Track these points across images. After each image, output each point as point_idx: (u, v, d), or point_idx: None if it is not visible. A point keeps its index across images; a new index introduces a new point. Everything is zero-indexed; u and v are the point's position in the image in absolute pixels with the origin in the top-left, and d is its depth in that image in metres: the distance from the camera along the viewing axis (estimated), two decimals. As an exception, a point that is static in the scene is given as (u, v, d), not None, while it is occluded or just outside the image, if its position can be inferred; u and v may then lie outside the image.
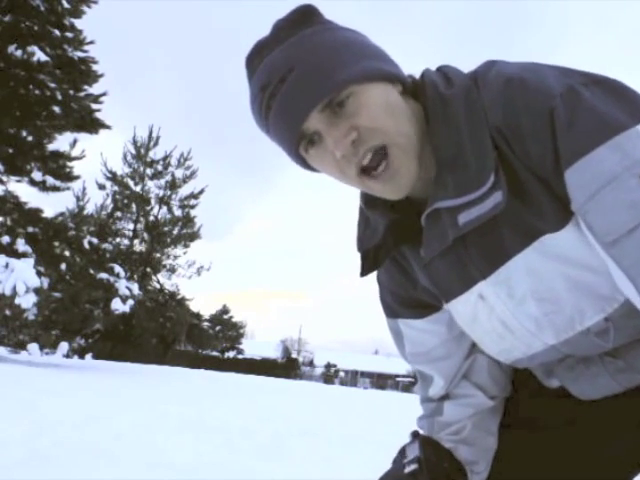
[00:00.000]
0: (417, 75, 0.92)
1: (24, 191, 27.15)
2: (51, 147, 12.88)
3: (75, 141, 13.24)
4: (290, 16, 0.85)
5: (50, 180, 12.78)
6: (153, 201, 26.78)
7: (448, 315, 1.02)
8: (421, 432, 1.08)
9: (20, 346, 15.02)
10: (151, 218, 26.66)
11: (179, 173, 26.78)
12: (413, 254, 0.97)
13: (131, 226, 26.35)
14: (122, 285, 14.26)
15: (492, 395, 1.08)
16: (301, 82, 0.80)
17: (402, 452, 1.02)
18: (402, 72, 0.89)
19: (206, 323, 31.90)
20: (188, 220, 26.95)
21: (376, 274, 1.08)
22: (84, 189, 18.73)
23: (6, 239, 11.58)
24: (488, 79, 0.84)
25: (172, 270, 27.03)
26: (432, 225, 0.87)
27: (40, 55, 11.92)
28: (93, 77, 13.14)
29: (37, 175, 12.61)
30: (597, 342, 0.90)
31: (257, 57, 0.85)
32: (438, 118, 0.85)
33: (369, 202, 0.96)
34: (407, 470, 0.97)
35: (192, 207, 27.07)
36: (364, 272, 0.97)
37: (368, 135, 0.81)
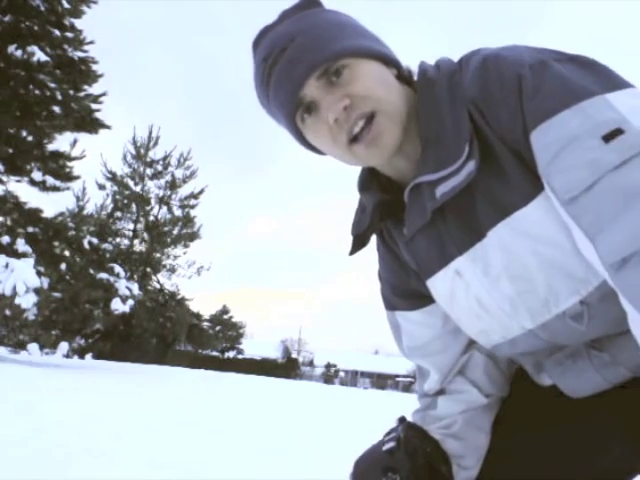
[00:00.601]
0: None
1: (24, 191, 27.07)
2: (51, 147, 12.89)
3: (75, 141, 13.24)
4: (295, 4, 0.92)
5: (50, 180, 12.77)
6: (153, 201, 26.75)
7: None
8: (409, 420, 1.08)
9: (20, 346, 15.01)
10: (151, 218, 26.63)
11: (179, 173, 26.74)
12: (398, 233, 1.01)
13: (131, 226, 26.34)
14: (122, 285, 14.29)
15: (487, 393, 1.08)
16: (300, 50, 0.86)
17: (386, 434, 1.03)
18: (399, 59, 0.94)
19: (206, 323, 31.81)
20: (188, 220, 26.92)
21: (377, 270, 1.12)
22: (84, 189, 18.74)
23: (6, 239, 11.59)
24: (470, 61, 0.88)
25: (172, 270, 27.00)
26: (414, 200, 0.90)
27: (40, 55, 11.92)
28: (93, 77, 13.15)
29: (37, 175, 12.60)
30: (574, 326, 0.89)
31: (262, 37, 0.92)
32: (424, 100, 0.89)
33: (364, 185, 1.01)
34: (385, 448, 0.98)
35: (192, 207, 27.04)
36: (353, 251, 1.01)
37: (360, 102, 0.85)
